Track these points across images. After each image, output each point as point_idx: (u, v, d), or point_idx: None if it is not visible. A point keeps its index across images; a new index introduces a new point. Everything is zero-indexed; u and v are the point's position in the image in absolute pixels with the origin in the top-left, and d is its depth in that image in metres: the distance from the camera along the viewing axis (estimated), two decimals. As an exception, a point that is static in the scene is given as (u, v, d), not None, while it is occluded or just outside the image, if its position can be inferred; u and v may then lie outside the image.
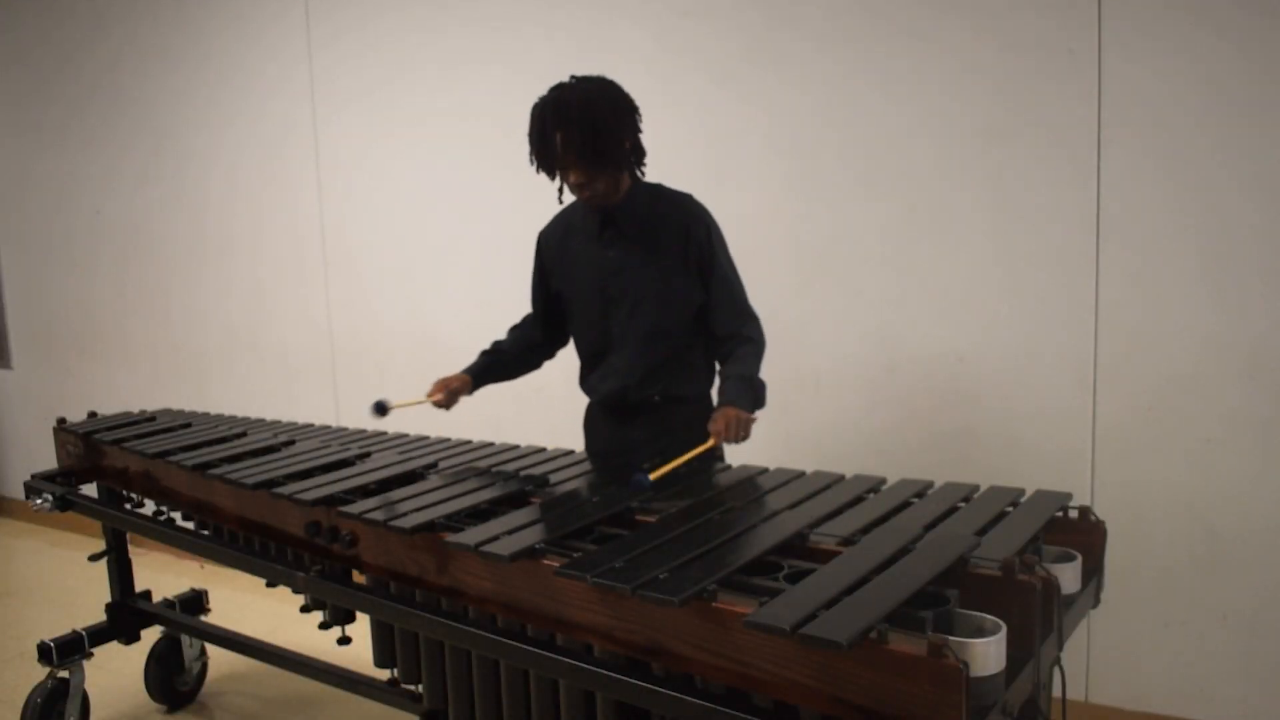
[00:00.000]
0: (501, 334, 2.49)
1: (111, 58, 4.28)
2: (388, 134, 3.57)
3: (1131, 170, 2.35)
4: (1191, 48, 2.26)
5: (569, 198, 2.21)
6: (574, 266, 2.28)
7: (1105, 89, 2.36)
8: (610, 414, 2.29)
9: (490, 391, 2.50)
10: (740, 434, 2.02)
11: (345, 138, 3.68)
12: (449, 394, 2.31)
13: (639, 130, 2.14)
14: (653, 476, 1.85)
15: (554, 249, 2.33)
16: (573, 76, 2.10)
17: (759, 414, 2.12)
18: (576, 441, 2.40)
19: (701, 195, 2.27)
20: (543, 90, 2.10)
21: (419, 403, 2.32)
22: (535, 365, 2.49)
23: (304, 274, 3.88)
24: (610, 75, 2.12)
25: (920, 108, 2.58)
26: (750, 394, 2.10)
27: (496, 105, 3.27)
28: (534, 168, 2.10)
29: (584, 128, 2.00)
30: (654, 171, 2.28)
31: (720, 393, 2.13)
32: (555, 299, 2.37)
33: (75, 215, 4.61)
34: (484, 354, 2.44)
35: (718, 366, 2.25)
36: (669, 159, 2.89)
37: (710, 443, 2.00)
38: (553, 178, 2.12)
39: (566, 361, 2.47)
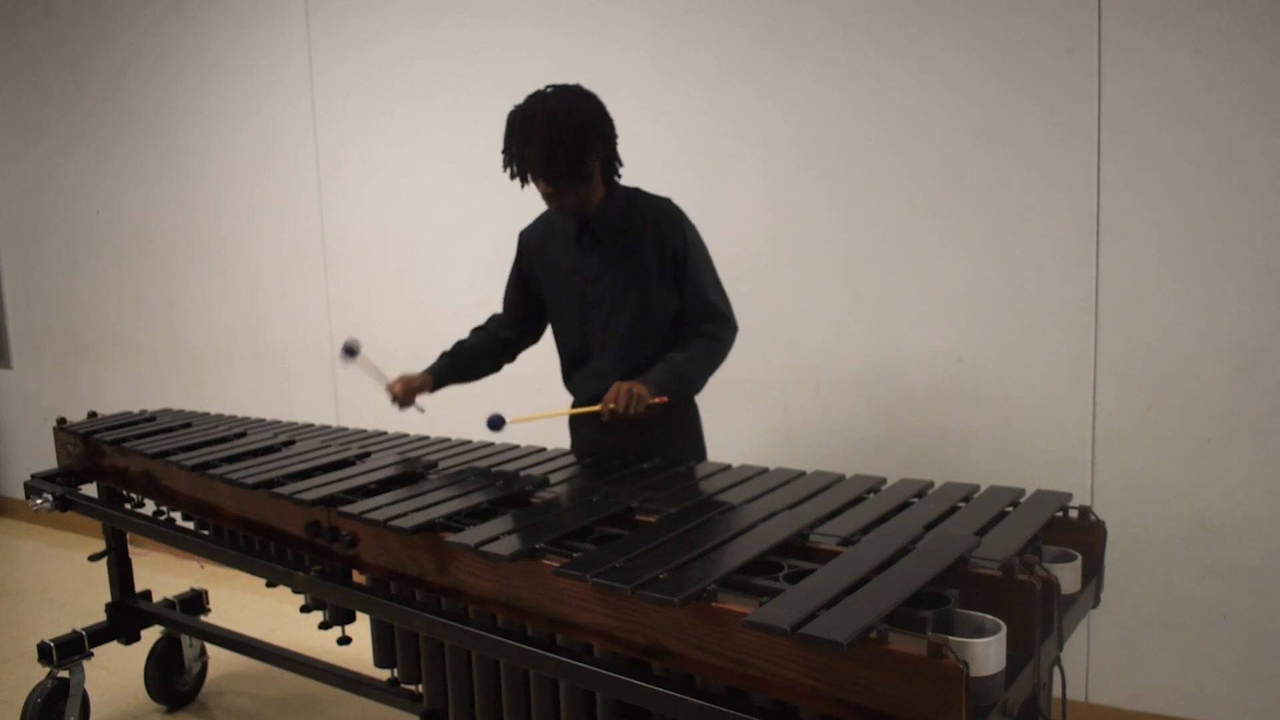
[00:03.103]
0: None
1: (116, 64, 4.29)
2: (388, 135, 3.57)
3: (1131, 170, 2.35)
4: (1191, 47, 2.26)
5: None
6: (553, 270, 2.31)
7: (1105, 89, 2.36)
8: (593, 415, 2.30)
9: (490, 392, 2.51)
10: (630, 406, 2.05)
11: (345, 138, 3.68)
12: (407, 390, 2.32)
13: (611, 144, 2.17)
14: (511, 420, 2.03)
15: (535, 251, 2.36)
16: (548, 87, 2.13)
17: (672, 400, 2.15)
18: (576, 441, 2.40)
19: (701, 196, 2.28)
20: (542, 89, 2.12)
21: (380, 379, 2.32)
22: (497, 367, 2.48)
23: (304, 274, 3.88)
24: (612, 72, 2.13)
25: (920, 107, 2.58)
26: (665, 376, 2.13)
27: (496, 105, 3.26)
28: (510, 176, 2.15)
29: (547, 144, 2.05)
30: (652, 172, 2.29)
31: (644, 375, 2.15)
32: (533, 299, 2.39)
33: (75, 216, 4.61)
34: (445, 355, 2.44)
35: None
36: (669, 159, 2.91)
37: (595, 408, 2.07)
38: (523, 185, 2.15)
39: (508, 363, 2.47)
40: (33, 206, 4.79)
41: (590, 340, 2.29)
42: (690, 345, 2.21)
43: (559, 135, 2.05)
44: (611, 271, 2.22)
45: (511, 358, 2.49)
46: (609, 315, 2.24)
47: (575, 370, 2.35)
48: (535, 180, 2.12)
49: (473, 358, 2.44)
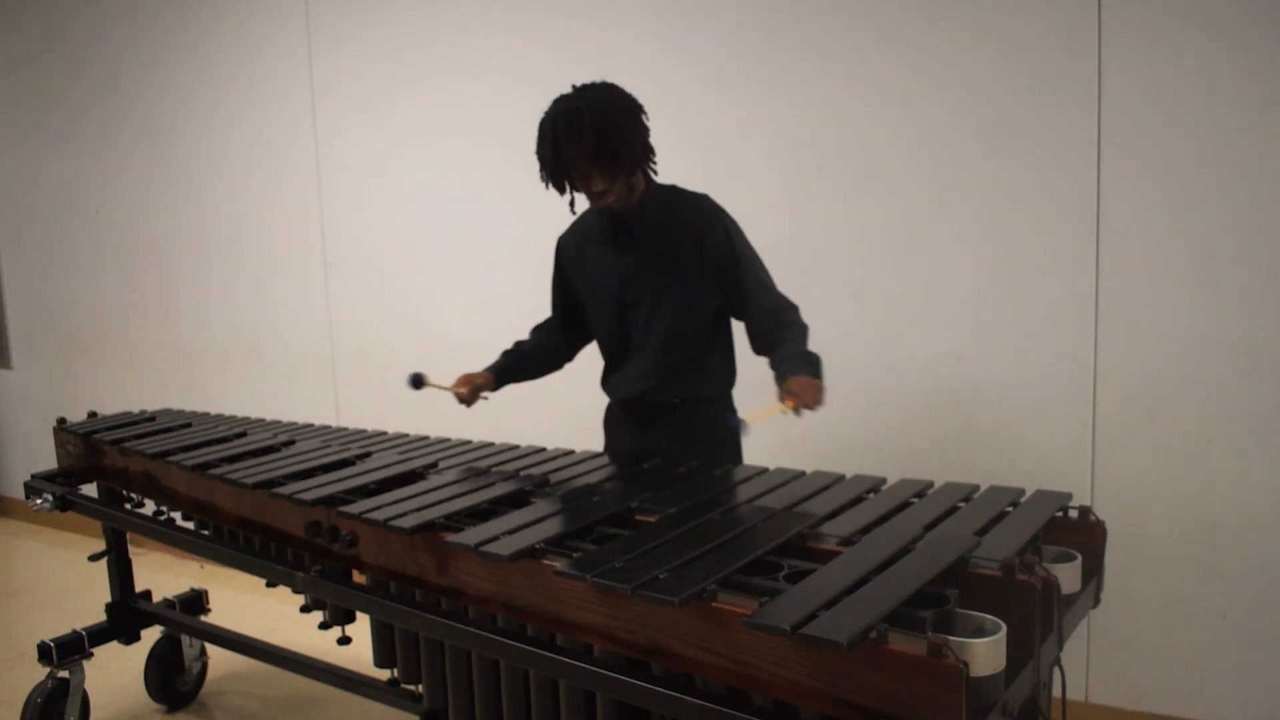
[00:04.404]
0: (501, 332, 2.49)
1: (114, 62, 4.29)
2: (387, 134, 3.57)
3: (1131, 171, 2.36)
4: (1191, 48, 2.26)
5: (581, 206, 2.19)
6: (591, 273, 2.28)
7: (1105, 89, 2.36)
8: (630, 416, 2.29)
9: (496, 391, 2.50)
10: (816, 400, 1.94)
11: (345, 138, 3.68)
12: (472, 389, 2.32)
13: (648, 130, 2.12)
14: (748, 420, 1.92)
15: (572, 256, 2.32)
16: (574, 86, 2.08)
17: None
18: (577, 441, 2.40)
19: (704, 190, 2.27)
20: (542, 91, 2.10)
21: (444, 389, 2.33)
22: (558, 366, 2.49)
23: (304, 274, 3.88)
24: (608, 77, 2.12)
25: (920, 108, 2.58)
26: (813, 367, 2.04)
27: (496, 105, 3.27)
28: (545, 184, 2.09)
29: (599, 133, 1.99)
30: (657, 165, 2.27)
31: (783, 370, 2.04)
32: (575, 304, 2.37)
33: (75, 215, 4.61)
34: (506, 353, 2.44)
35: (770, 353, 2.16)
36: (668, 160, 2.89)
37: (789, 405, 1.94)
38: (564, 191, 2.10)
39: (568, 362, 2.47)
40: (33, 207, 4.79)
41: (630, 340, 2.25)
42: (790, 337, 2.12)
43: (611, 120, 2.00)
44: (650, 271, 2.18)
45: (570, 357, 2.49)
46: (648, 315, 2.20)
47: (614, 370, 2.31)
48: (586, 179, 2.05)
49: (532, 358, 2.45)
